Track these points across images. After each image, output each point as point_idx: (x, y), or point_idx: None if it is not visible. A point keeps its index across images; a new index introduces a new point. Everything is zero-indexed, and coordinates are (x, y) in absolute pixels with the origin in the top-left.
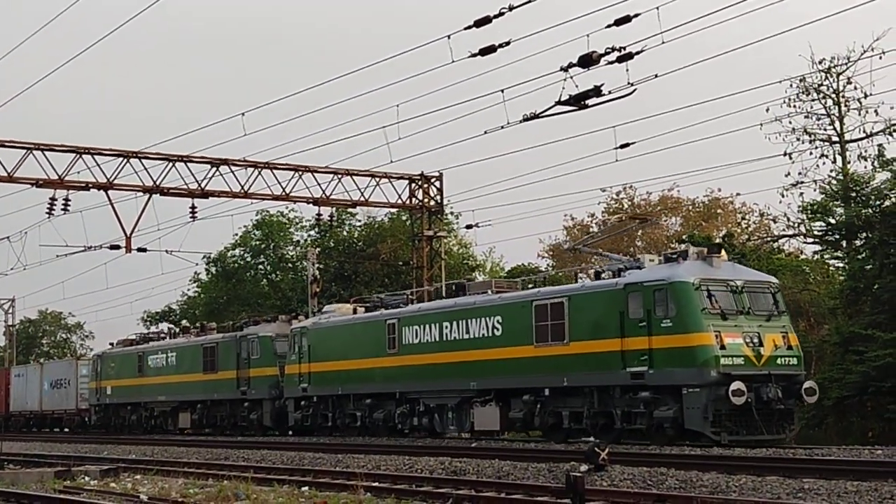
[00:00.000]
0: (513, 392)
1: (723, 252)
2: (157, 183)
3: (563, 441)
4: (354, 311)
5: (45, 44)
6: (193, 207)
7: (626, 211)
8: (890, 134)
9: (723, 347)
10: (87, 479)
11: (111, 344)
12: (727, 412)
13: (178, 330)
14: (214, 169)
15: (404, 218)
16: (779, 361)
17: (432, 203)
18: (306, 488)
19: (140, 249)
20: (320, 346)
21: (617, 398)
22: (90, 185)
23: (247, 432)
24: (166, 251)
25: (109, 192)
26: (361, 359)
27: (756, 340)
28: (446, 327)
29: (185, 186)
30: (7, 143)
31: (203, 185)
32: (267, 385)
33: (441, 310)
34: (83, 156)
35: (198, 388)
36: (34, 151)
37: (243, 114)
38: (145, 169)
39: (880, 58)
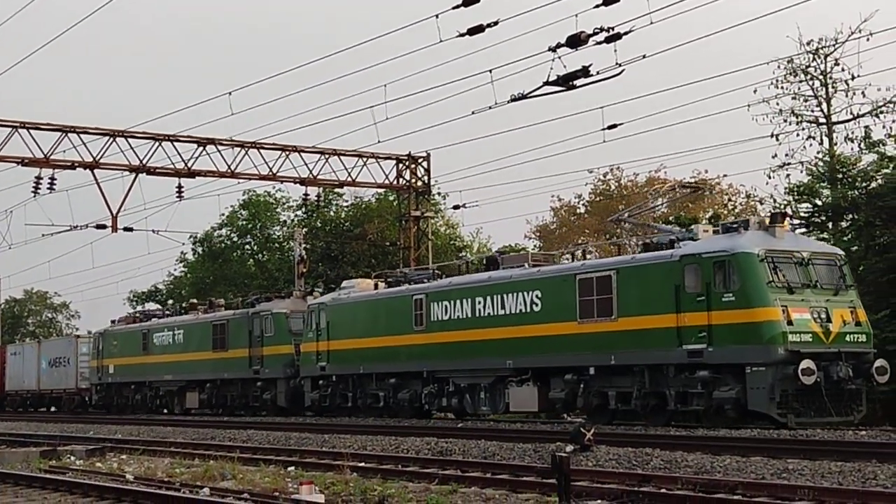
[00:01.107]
0: (553, 371)
1: (786, 222)
2: (144, 162)
3: (609, 423)
4: (376, 287)
5: (32, 21)
6: (180, 187)
7: (609, 191)
8: (877, 115)
9: (790, 323)
10: (72, 458)
11: (112, 321)
12: (794, 392)
13: (183, 307)
14: (201, 148)
15: (391, 198)
16: (848, 339)
17: (419, 183)
18: (292, 468)
19: (126, 229)
20: (340, 323)
21: (671, 377)
22: (76, 164)
23: (259, 412)
24: (153, 231)
25: (95, 171)
26: (385, 336)
27: (824, 316)
28: (479, 303)
29: (171, 166)
30: None
31: (190, 165)
32: (281, 364)
33: (473, 284)
34: (69, 134)
35: (207, 366)
36: (20, 130)
37: (230, 93)
38: (132, 148)
39: (868, 39)
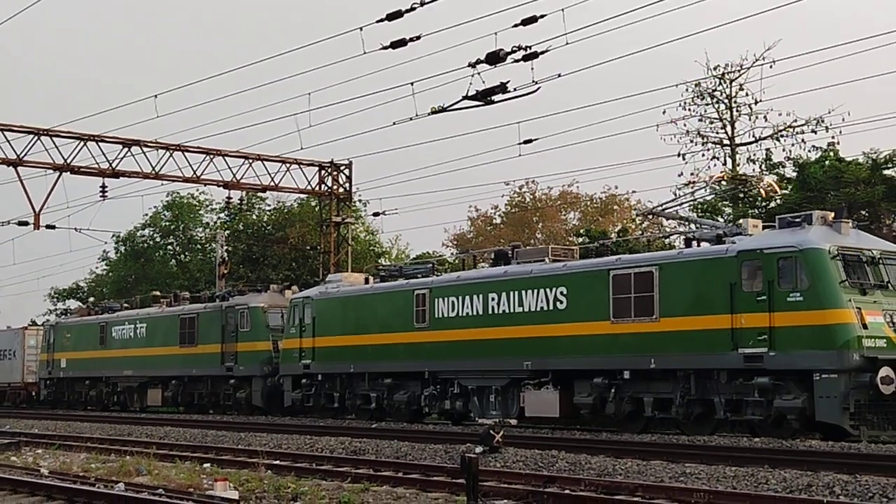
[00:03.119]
0: (579, 374)
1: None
2: (68, 161)
3: (641, 432)
4: (367, 281)
5: None
6: (104, 187)
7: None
8: (777, 139)
9: (864, 327)
10: None
11: (60, 314)
12: (868, 403)
13: (144, 300)
14: (126, 149)
15: (313, 204)
16: None
17: (341, 190)
18: (208, 465)
19: (49, 226)
20: (327, 319)
21: (722, 384)
22: None
23: (231, 412)
24: (75, 229)
25: (19, 168)
26: (381, 333)
27: None
28: (493, 299)
29: (95, 165)
30: None
31: (114, 165)
32: (258, 361)
33: (486, 279)
34: None
35: (173, 362)
36: None
37: (156, 96)
38: (56, 147)
39: (770, 66)
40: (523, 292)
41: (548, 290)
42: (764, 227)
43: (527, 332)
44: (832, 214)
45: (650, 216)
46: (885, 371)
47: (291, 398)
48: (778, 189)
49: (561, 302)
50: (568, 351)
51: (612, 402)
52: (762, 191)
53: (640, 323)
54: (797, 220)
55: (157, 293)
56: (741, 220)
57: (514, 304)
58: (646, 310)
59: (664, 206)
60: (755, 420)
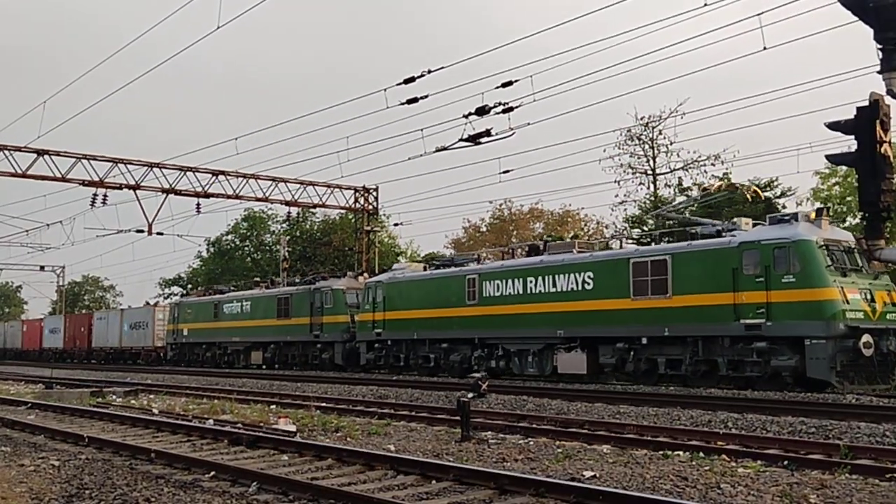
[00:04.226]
0: (602, 340)
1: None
2: (173, 186)
3: (654, 384)
4: (425, 268)
5: (92, 77)
6: (198, 204)
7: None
8: (686, 170)
9: (847, 302)
10: (114, 397)
11: (181, 295)
12: (849, 363)
13: (248, 284)
14: (214, 177)
15: (350, 217)
16: (889, 317)
17: (370, 207)
18: (274, 406)
19: (158, 233)
20: (396, 297)
21: (725, 347)
22: (123, 186)
23: (318, 369)
24: (178, 235)
25: (137, 191)
26: (439, 308)
27: (869, 297)
28: (531, 282)
29: (192, 189)
30: (63, 154)
31: (206, 189)
32: (339, 330)
33: (525, 266)
34: (118, 164)
35: (271, 331)
36: (82, 160)
37: (236, 138)
38: (164, 175)
39: (682, 117)
40: (556, 276)
41: (577, 274)
42: (754, 225)
43: (560, 308)
44: (814, 214)
45: (659, 217)
46: (866, 337)
47: (366, 358)
48: (762, 195)
49: (588, 283)
50: (594, 322)
51: (631, 362)
52: (749, 196)
53: (656, 300)
54: (786, 217)
55: (258, 278)
56: (735, 219)
57: (549, 285)
58: (661, 289)
59: (670, 209)
60: (753, 376)
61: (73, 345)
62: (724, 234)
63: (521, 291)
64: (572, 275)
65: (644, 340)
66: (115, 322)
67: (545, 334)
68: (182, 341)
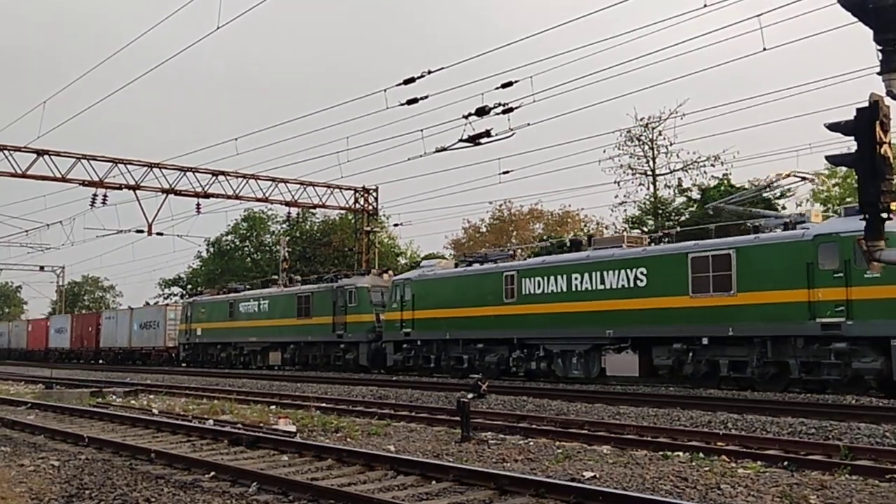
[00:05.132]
0: (657, 340)
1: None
2: (173, 186)
3: (716, 387)
4: (456, 265)
5: (90, 78)
6: (198, 205)
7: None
8: (685, 171)
9: None
10: (113, 397)
11: (193, 295)
12: None
13: (264, 283)
14: (214, 178)
15: (350, 217)
16: None
17: (370, 207)
18: (274, 406)
19: (158, 234)
20: (425, 296)
21: (799, 348)
22: (123, 186)
23: (341, 370)
24: (177, 235)
25: (137, 191)
26: (473, 307)
27: None
28: (576, 279)
29: (192, 189)
30: (63, 154)
31: (206, 189)
32: (363, 330)
33: (570, 262)
34: (118, 165)
35: (290, 331)
36: (82, 160)
37: (236, 139)
38: (164, 175)
39: (682, 118)
40: (605, 272)
41: (628, 270)
42: (823, 218)
43: (608, 306)
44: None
45: (716, 209)
46: None
47: (393, 359)
48: (829, 184)
49: (641, 280)
50: (648, 321)
51: (689, 364)
52: (817, 186)
53: (718, 297)
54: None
55: (276, 277)
56: (805, 211)
57: (596, 282)
58: (724, 286)
59: (728, 201)
60: (830, 380)
61: (81, 345)
62: (796, 226)
63: (564, 289)
64: (622, 271)
65: (704, 341)
66: (124, 322)
67: (592, 334)
68: (196, 341)
